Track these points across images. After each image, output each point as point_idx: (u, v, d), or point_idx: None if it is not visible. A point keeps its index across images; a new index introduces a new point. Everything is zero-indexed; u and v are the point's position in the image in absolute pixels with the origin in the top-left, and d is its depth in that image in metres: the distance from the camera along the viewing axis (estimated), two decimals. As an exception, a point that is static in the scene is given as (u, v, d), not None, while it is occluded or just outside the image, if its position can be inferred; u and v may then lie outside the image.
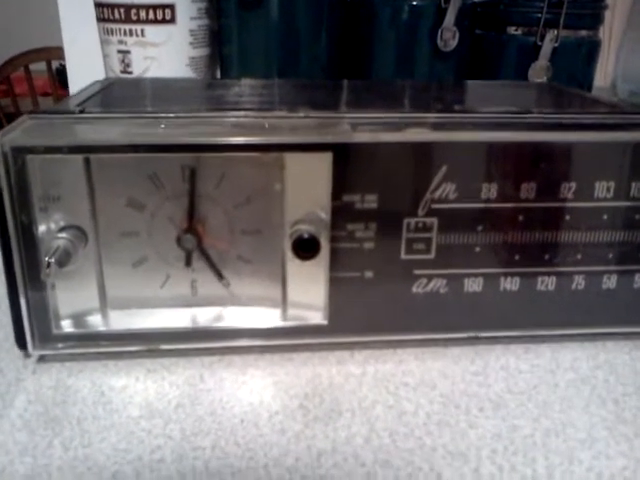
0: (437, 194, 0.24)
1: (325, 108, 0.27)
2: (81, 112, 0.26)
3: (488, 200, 0.24)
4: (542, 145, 0.24)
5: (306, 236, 0.24)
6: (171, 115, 0.26)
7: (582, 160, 0.25)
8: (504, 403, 0.23)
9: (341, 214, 0.24)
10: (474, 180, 0.24)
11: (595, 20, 0.67)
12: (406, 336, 0.26)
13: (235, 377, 0.25)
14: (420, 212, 0.24)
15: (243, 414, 0.23)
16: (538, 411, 0.23)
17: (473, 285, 0.26)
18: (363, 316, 0.26)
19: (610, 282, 0.26)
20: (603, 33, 0.72)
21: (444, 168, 0.24)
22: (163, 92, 0.35)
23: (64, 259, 0.23)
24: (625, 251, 0.26)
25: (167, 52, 0.57)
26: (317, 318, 0.26)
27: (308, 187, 0.24)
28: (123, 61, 0.59)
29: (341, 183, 0.24)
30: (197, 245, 0.25)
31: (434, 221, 0.25)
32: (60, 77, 1.46)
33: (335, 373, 0.25)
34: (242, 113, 0.26)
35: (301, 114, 0.26)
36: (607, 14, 0.68)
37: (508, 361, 0.26)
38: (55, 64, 1.54)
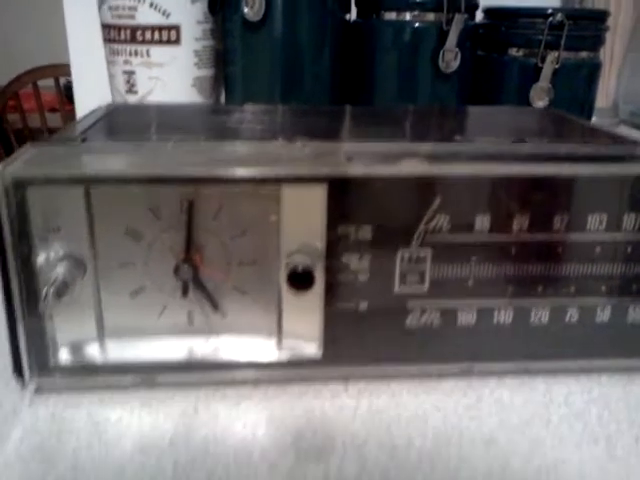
0: (431, 226, 0.24)
1: (323, 137, 0.28)
2: (83, 141, 0.26)
3: (482, 232, 0.25)
4: (536, 178, 0.24)
5: (300, 269, 0.24)
6: (171, 146, 0.26)
7: (575, 192, 0.25)
8: (496, 438, 0.23)
9: (336, 245, 0.24)
10: (468, 212, 0.24)
11: (596, 42, 0.67)
12: (400, 368, 0.26)
13: (229, 411, 0.25)
14: (414, 244, 0.25)
15: (236, 449, 0.23)
16: (530, 447, 0.23)
17: (467, 317, 0.26)
18: (357, 348, 0.26)
19: (604, 315, 0.26)
20: (604, 54, 0.73)
21: (438, 200, 0.24)
22: (164, 119, 0.35)
23: (62, 289, 0.24)
24: (619, 284, 0.26)
25: (172, 72, 0.58)
26: (312, 350, 0.26)
27: (303, 218, 0.25)
28: (128, 81, 0.60)
29: (336, 215, 0.24)
30: (194, 276, 0.25)
31: (428, 253, 0.25)
32: (67, 93, 1.48)
33: (329, 406, 0.25)
34: (240, 143, 0.27)
35: (298, 144, 0.26)
36: (608, 35, 0.68)
37: (502, 394, 0.26)
38: (63, 80, 1.55)
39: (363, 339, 0.26)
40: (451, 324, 0.26)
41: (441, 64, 0.52)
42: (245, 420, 0.24)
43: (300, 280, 0.24)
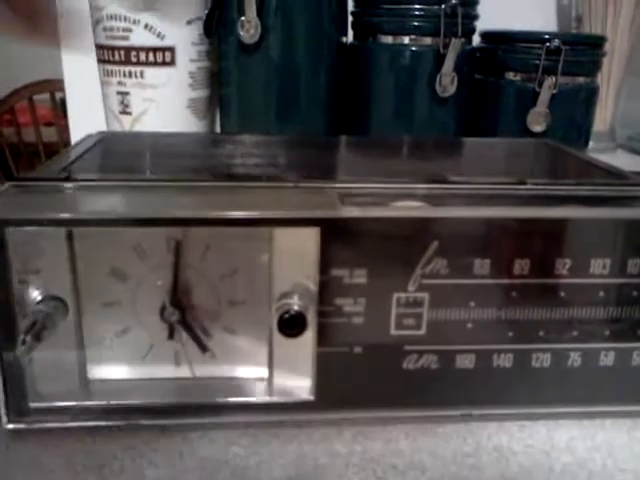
0: (428, 269, 0.24)
1: (315, 175, 0.27)
2: (66, 179, 0.25)
3: (481, 276, 0.24)
4: (536, 221, 0.24)
5: (291, 314, 0.23)
6: (158, 184, 0.25)
7: (576, 235, 0.24)
8: (496, 491, 0.22)
9: (329, 288, 0.24)
10: (466, 255, 0.24)
11: (593, 67, 0.67)
12: (396, 413, 0.25)
13: (217, 456, 0.24)
14: (411, 287, 0.24)
15: (223, 501, 0.22)
16: (532, 501, 0.22)
17: (465, 361, 0.25)
18: (351, 392, 0.25)
19: (607, 359, 0.25)
20: (601, 79, 0.72)
21: (435, 243, 0.23)
22: (154, 152, 0.35)
23: (42, 333, 0.22)
24: (622, 328, 0.25)
25: (166, 94, 0.57)
26: (304, 393, 0.25)
27: (296, 260, 0.24)
28: (122, 102, 0.59)
29: (329, 257, 0.23)
30: (181, 317, 0.24)
31: (425, 296, 0.24)
32: (63, 107, 1.47)
33: (321, 453, 0.24)
34: (231, 182, 0.26)
35: (290, 184, 0.26)
36: (605, 60, 0.68)
37: (501, 441, 0.25)
38: (59, 95, 1.55)
39: (357, 383, 0.25)
40: (449, 368, 0.25)
41: (438, 88, 0.51)
42: (233, 467, 0.23)
43: (291, 325, 0.23)
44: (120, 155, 0.33)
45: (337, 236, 0.23)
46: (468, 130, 0.55)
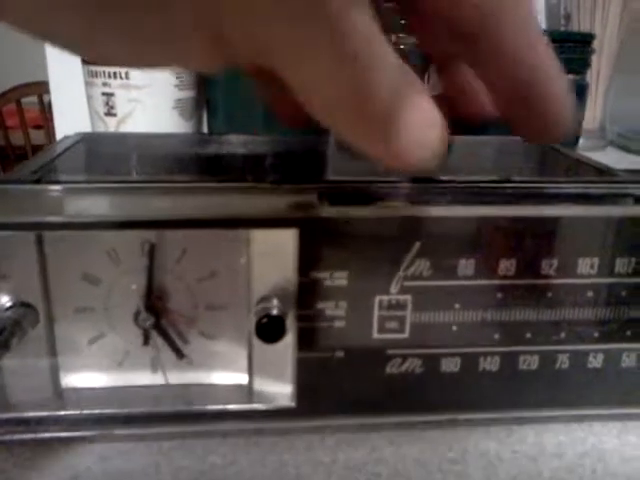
0: (411, 271, 0.23)
1: (296, 175, 0.26)
2: (37, 181, 0.24)
3: (465, 277, 0.23)
4: (521, 219, 0.23)
5: (269, 318, 0.22)
6: (133, 186, 0.25)
7: (563, 234, 0.23)
8: (483, 499, 0.22)
9: (309, 292, 0.23)
10: (450, 256, 0.23)
11: (582, 64, 0.67)
12: (380, 419, 0.25)
13: (194, 466, 0.23)
14: (393, 290, 0.23)
15: (199, 514, 0.21)
16: (519, 509, 0.21)
17: (450, 365, 0.24)
18: (334, 398, 0.24)
19: (596, 361, 0.25)
20: (591, 76, 0.72)
21: (418, 244, 0.23)
22: (132, 153, 0.34)
23: (10, 340, 0.22)
24: (611, 329, 0.24)
25: (152, 95, 0.56)
26: (285, 400, 0.24)
27: (274, 263, 0.23)
28: (107, 103, 0.58)
29: (309, 259, 0.22)
30: (155, 323, 0.23)
31: (408, 299, 0.23)
32: (52, 110, 1.46)
33: (303, 461, 0.23)
34: (207, 184, 0.25)
35: (268, 185, 0.25)
36: (594, 57, 0.68)
37: (488, 446, 0.24)
38: (47, 97, 1.53)
39: (340, 388, 0.24)
40: (434, 372, 0.24)
41: (427, 85, 0.51)
42: (212, 477, 0.22)
43: (270, 329, 0.22)
44: (97, 156, 0.32)
45: (316, 237, 0.22)
46: (456, 128, 0.54)
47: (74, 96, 0.69)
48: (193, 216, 0.22)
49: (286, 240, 0.22)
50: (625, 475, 0.23)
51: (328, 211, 0.22)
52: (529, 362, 0.24)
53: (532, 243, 0.23)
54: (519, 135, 0.21)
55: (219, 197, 0.23)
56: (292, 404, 0.24)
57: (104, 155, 0.32)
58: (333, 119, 0.16)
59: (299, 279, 0.23)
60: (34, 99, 1.53)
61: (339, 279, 0.23)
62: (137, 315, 0.23)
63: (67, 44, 0.15)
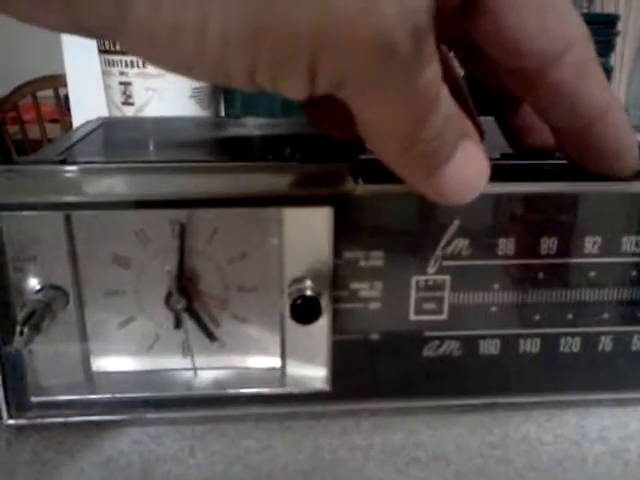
0: (449, 250, 0.22)
1: (326, 155, 0.25)
2: (62, 162, 0.24)
3: (505, 256, 0.22)
4: (563, 197, 0.22)
5: (304, 300, 0.21)
6: (159, 166, 0.24)
7: (607, 212, 0.22)
8: (527, 484, 0.21)
9: (344, 272, 0.22)
10: (489, 235, 0.22)
11: (606, 47, 0.65)
12: (417, 403, 0.24)
13: (228, 450, 0.22)
14: (430, 270, 0.22)
15: (236, 497, 0.20)
16: (565, 494, 0.21)
17: (489, 347, 0.23)
18: (369, 381, 0.24)
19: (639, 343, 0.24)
20: (614, 60, 0.71)
21: (456, 222, 0.22)
22: (155, 135, 0.33)
23: (41, 323, 0.21)
24: (656, 309, 0.23)
25: (169, 83, 0.56)
26: (319, 383, 0.24)
27: (308, 243, 0.22)
28: (124, 92, 0.58)
29: (343, 239, 0.22)
30: (187, 305, 0.23)
31: (446, 279, 0.23)
32: (67, 103, 1.47)
33: (338, 446, 0.23)
34: (235, 163, 0.24)
35: (299, 163, 0.24)
36: (618, 41, 0.67)
37: (529, 431, 0.24)
38: (63, 91, 1.54)
39: (375, 371, 0.24)
40: (472, 354, 0.23)
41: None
42: (246, 461, 0.22)
43: (305, 311, 0.22)
44: (120, 139, 0.32)
45: (351, 216, 0.22)
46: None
47: (91, 87, 0.69)
48: (224, 195, 0.22)
49: (319, 219, 0.22)
50: (673, 459, 0.22)
51: (363, 189, 0.21)
52: (570, 344, 0.24)
53: (574, 221, 0.22)
54: (583, 168, 0.21)
55: (247, 176, 0.23)
56: (327, 387, 0.24)
57: (125, 138, 0.32)
58: (384, 149, 0.18)
59: (333, 260, 0.22)
60: (50, 93, 1.54)
61: (375, 259, 0.22)
62: (169, 297, 0.23)
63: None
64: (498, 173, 0.23)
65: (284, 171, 0.23)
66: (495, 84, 0.24)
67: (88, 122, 0.34)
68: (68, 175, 0.23)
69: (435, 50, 0.16)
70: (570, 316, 0.23)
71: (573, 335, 0.24)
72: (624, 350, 0.24)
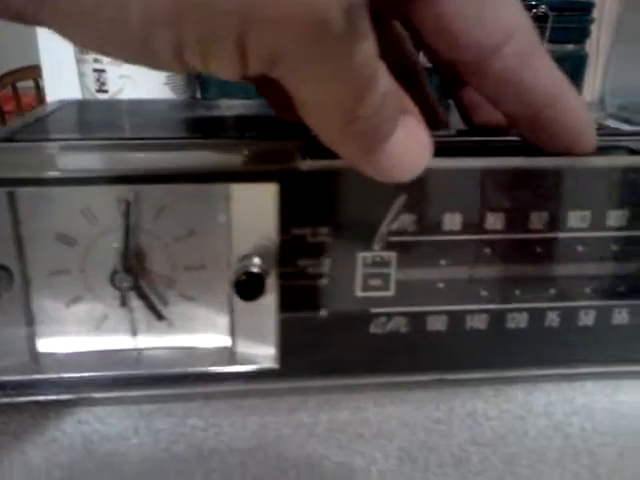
0: (395, 226, 0.22)
1: (278, 134, 0.25)
2: (9, 140, 0.24)
3: (451, 232, 0.22)
4: (509, 172, 0.22)
5: (248, 276, 0.21)
6: (109, 143, 0.24)
7: (555, 187, 0.22)
8: (467, 457, 0.21)
9: (291, 249, 0.22)
10: (435, 210, 0.22)
11: (581, 34, 0.65)
12: (365, 380, 0.24)
13: (173, 428, 0.22)
14: (376, 246, 0.22)
15: (175, 473, 0.20)
16: (503, 466, 0.21)
17: (437, 324, 0.24)
18: (317, 358, 0.24)
19: (587, 318, 0.24)
20: (590, 47, 0.71)
21: (402, 198, 0.22)
22: (113, 116, 0.33)
23: (-17, 302, 0.21)
24: (602, 285, 0.24)
25: (143, 70, 0.55)
26: (267, 361, 0.24)
27: (255, 220, 0.22)
28: (98, 80, 0.57)
29: (290, 215, 0.22)
30: (134, 284, 0.23)
31: (392, 255, 0.23)
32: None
33: (284, 423, 0.23)
34: (184, 141, 0.24)
35: (247, 140, 0.24)
36: (594, 27, 0.67)
37: (475, 406, 0.24)
38: (43, 81, 1.52)
39: (324, 348, 0.24)
40: (420, 331, 0.24)
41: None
42: (190, 439, 0.22)
43: (249, 287, 0.22)
44: (76, 119, 0.32)
45: (297, 192, 0.22)
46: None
47: (66, 76, 0.68)
48: (170, 171, 0.21)
49: (266, 196, 0.22)
50: (613, 433, 0.22)
51: (309, 164, 0.21)
52: (518, 320, 0.24)
53: (521, 196, 0.22)
54: (540, 149, 0.21)
55: (196, 152, 0.22)
56: (275, 365, 0.24)
57: (82, 119, 0.32)
58: (323, 127, 0.17)
59: (280, 236, 0.22)
60: (30, 83, 1.52)
61: (321, 235, 0.22)
62: (114, 276, 0.23)
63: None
64: (447, 149, 0.23)
65: (234, 149, 0.23)
66: (441, 66, 0.24)
67: (49, 104, 0.34)
68: (13, 152, 0.23)
69: (370, 27, 0.15)
70: (516, 292, 0.23)
71: (520, 311, 0.24)
72: (571, 325, 0.24)
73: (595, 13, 0.65)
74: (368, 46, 0.15)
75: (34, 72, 1.49)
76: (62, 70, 0.72)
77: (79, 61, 0.57)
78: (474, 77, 0.21)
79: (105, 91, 0.57)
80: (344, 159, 0.18)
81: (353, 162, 0.18)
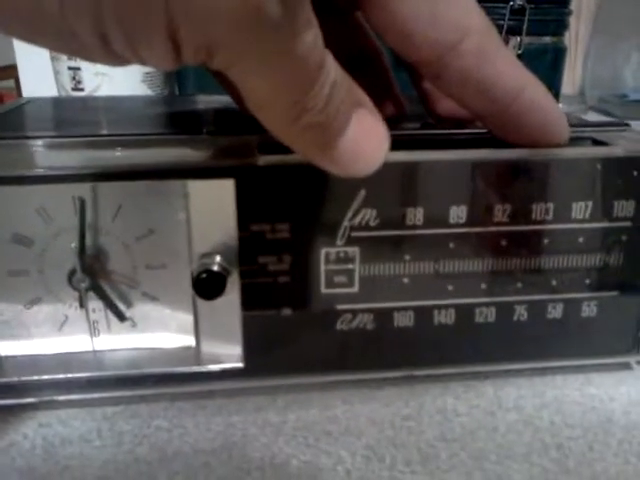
0: (357, 221, 0.22)
1: (237, 129, 0.25)
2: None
3: (414, 226, 0.22)
4: (472, 164, 0.22)
5: (207, 275, 0.21)
6: (66, 141, 0.23)
7: (519, 179, 0.22)
8: (435, 454, 0.21)
9: (250, 246, 0.22)
10: (397, 205, 0.22)
11: (559, 26, 0.65)
12: (333, 377, 0.24)
13: (137, 430, 0.22)
14: (339, 241, 0.22)
15: (137, 476, 0.20)
16: (472, 462, 0.20)
17: (404, 319, 0.23)
18: (283, 357, 0.23)
19: (556, 312, 0.24)
20: (569, 39, 0.71)
21: (362, 192, 0.21)
22: (74, 113, 0.32)
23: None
24: (569, 278, 0.23)
25: (119, 68, 0.55)
26: (233, 360, 0.23)
27: (214, 217, 0.22)
28: (74, 78, 0.57)
29: (248, 211, 0.21)
30: (92, 284, 0.22)
31: (355, 251, 0.22)
32: (29, 94, 1.43)
33: (251, 423, 0.22)
34: (141, 137, 0.24)
35: (210, 136, 0.24)
36: (572, 20, 0.66)
37: (445, 402, 0.23)
38: (25, 81, 1.50)
39: (290, 346, 0.23)
40: (387, 327, 0.23)
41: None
42: (154, 441, 0.21)
43: (208, 287, 0.21)
44: (35, 117, 0.31)
45: (255, 188, 0.21)
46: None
47: (42, 75, 0.67)
48: (124, 168, 0.21)
49: (224, 192, 0.21)
50: (582, 426, 0.22)
51: (266, 160, 0.21)
52: (486, 314, 0.24)
53: (484, 189, 0.22)
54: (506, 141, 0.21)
55: (152, 149, 0.22)
56: (240, 364, 0.23)
57: (45, 116, 0.31)
58: (272, 122, 0.17)
59: (239, 233, 0.22)
60: (11, 83, 1.50)
61: (281, 232, 0.22)
62: (71, 276, 0.22)
63: None
64: (409, 142, 0.23)
65: (192, 145, 0.23)
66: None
67: (9, 103, 0.33)
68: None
69: (312, 16, 0.15)
70: (483, 286, 0.23)
71: (487, 305, 0.23)
72: (539, 319, 0.24)
73: (573, 5, 0.65)
74: (310, 36, 0.15)
75: (14, 72, 1.48)
76: (38, 69, 0.71)
77: (54, 59, 0.57)
78: (436, 78, 0.20)
79: (81, 89, 0.56)
80: (300, 155, 0.18)
81: (309, 158, 0.18)
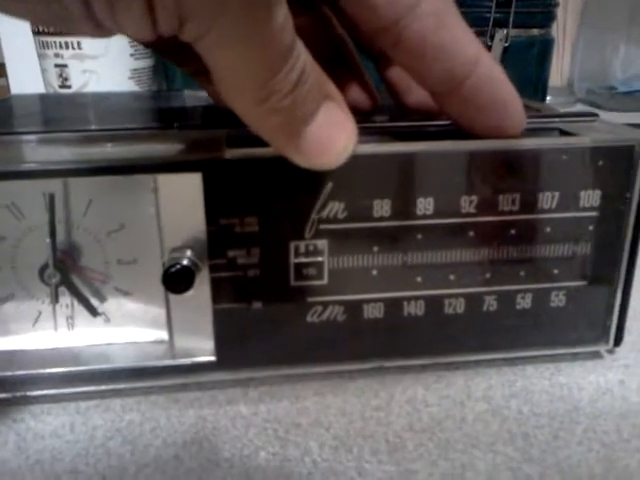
0: (324, 214, 0.22)
1: (206, 124, 0.25)
2: None
3: (381, 218, 0.22)
4: (438, 155, 0.22)
5: (176, 269, 0.21)
6: (38, 137, 0.23)
7: (486, 169, 0.22)
8: (402, 444, 0.21)
9: (219, 240, 0.22)
10: (364, 197, 0.22)
11: (546, 18, 0.65)
12: (305, 369, 0.24)
13: (110, 424, 0.22)
14: (307, 234, 0.22)
15: (107, 469, 0.20)
16: (438, 452, 0.21)
17: (374, 311, 0.23)
18: (255, 350, 0.23)
19: (525, 302, 0.24)
20: (557, 31, 0.71)
21: (330, 185, 0.22)
22: (51, 109, 0.33)
23: None
24: (537, 268, 0.24)
25: (106, 65, 0.55)
26: (205, 354, 0.24)
27: (184, 211, 0.22)
28: (61, 75, 0.57)
29: (216, 205, 0.22)
30: (64, 279, 0.23)
31: (324, 243, 0.22)
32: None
33: (222, 415, 0.23)
34: (110, 132, 0.24)
35: (179, 131, 0.24)
36: (559, 12, 0.66)
37: (416, 393, 0.24)
38: (18, 79, 1.50)
39: (261, 340, 0.23)
40: (357, 319, 0.23)
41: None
42: (125, 434, 0.22)
43: (176, 281, 0.21)
44: (10, 113, 0.31)
45: (222, 181, 0.21)
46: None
47: (29, 72, 0.67)
48: (93, 163, 0.21)
49: (192, 186, 0.21)
50: (549, 415, 0.22)
51: (233, 153, 0.21)
52: (455, 305, 0.24)
53: (451, 180, 0.22)
54: (474, 134, 0.21)
55: (121, 144, 0.22)
56: (212, 358, 0.23)
57: (21, 112, 0.31)
58: (239, 102, 0.17)
59: (208, 227, 0.22)
60: (2, 81, 1.51)
61: (250, 225, 0.22)
62: (42, 272, 0.22)
63: None
64: (376, 134, 0.23)
65: (161, 139, 0.23)
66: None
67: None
68: None
69: None
70: (452, 277, 0.23)
71: (457, 296, 0.24)
72: (509, 309, 0.24)
73: (560, -3, 0.65)
74: (281, 16, 0.15)
75: (3, 70, 1.48)
76: (26, 67, 0.71)
77: (40, 56, 0.57)
78: (396, 48, 0.20)
79: (68, 86, 0.56)
80: (269, 143, 0.18)
81: (275, 144, 0.18)
